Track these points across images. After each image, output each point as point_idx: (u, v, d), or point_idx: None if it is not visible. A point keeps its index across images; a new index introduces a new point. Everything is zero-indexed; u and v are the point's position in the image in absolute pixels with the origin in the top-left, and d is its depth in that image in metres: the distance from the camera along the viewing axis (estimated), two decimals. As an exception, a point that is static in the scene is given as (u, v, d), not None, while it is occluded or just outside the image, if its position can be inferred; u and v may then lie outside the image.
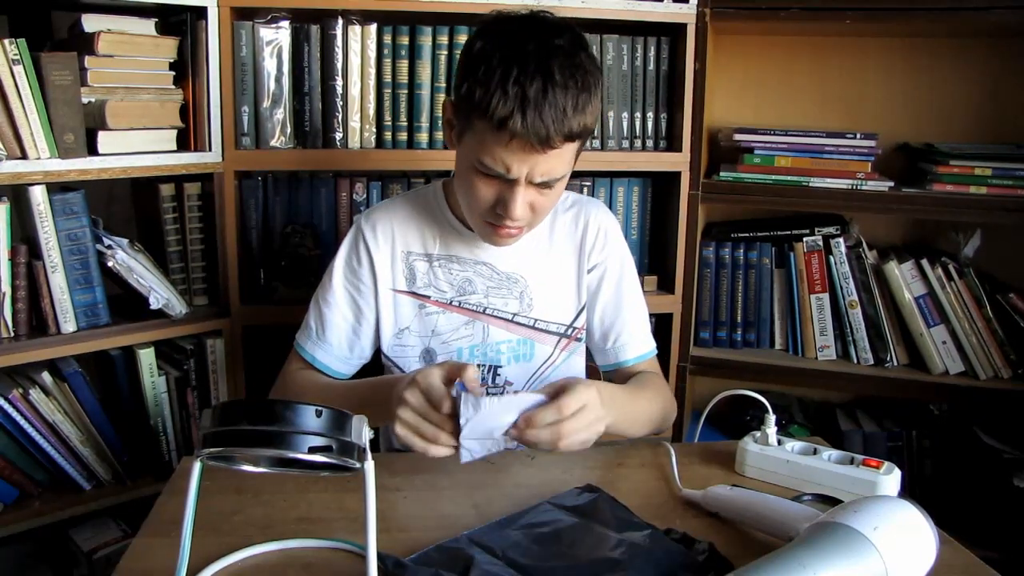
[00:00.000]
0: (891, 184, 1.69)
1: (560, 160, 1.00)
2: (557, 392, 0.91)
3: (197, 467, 0.69)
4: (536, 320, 1.19)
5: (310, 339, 1.18)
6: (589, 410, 0.90)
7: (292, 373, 1.19)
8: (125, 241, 1.45)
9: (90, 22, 1.39)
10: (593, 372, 1.28)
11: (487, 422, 0.87)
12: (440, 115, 1.56)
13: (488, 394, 0.90)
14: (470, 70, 0.98)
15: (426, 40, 1.57)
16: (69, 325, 1.40)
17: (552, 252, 1.20)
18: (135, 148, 1.44)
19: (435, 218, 1.19)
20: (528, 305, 1.18)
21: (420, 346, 1.18)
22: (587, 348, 1.25)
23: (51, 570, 1.52)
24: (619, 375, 1.23)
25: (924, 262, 1.71)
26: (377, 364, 1.23)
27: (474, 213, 1.08)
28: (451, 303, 1.18)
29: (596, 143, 1.69)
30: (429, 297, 1.18)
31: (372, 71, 1.58)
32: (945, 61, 1.80)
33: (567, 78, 0.96)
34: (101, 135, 1.39)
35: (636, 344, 1.21)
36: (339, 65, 1.56)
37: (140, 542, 0.84)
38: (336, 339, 1.17)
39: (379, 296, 1.17)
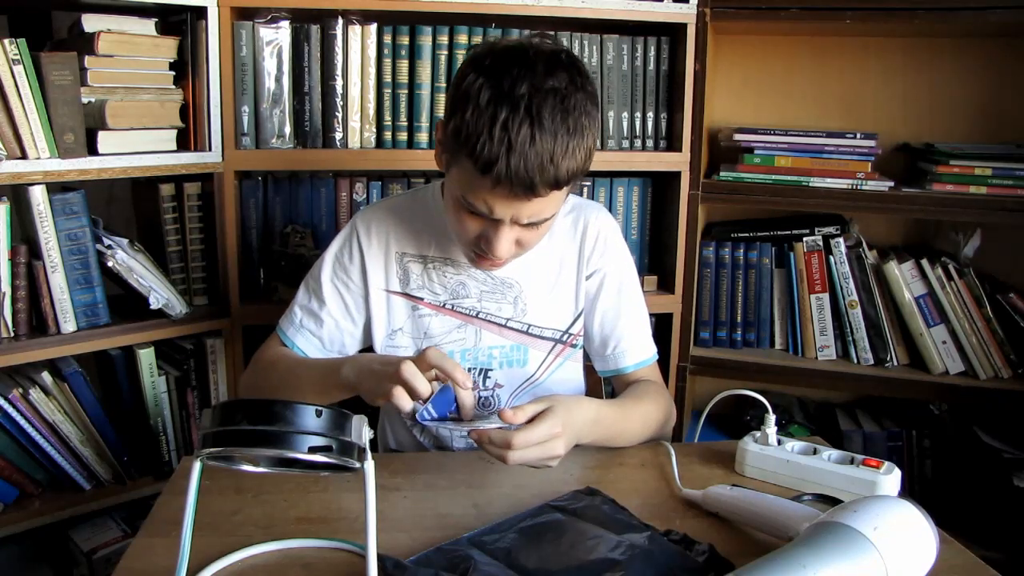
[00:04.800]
0: (891, 184, 1.69)
1: (547, 204, 0.98)
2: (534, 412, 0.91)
3: (197, 467, 0.69)
4: (530, 326, 1.17)
5: (292, 324, 1.18)
6: (549, 445, 0.89)
7: (269, 348, 1.19)
8: (125, 241, 1.45)
9: (90, 22, 1.39)
10: (590, 374, 1.28)
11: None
12: (440, 115, 1.56)
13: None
14: (459, 104, 0.94)
15: (426, 40, 1.57)
16: (69, 325, 1.40)
17: (550, 257, 1.18)
18: (135, 148, 1.44)
19: (432, 220, 1.17)
20: (522, 311, 1.17)
21: (412, 347, 1.17)
22: (587, 354, 1.24)
23: (51, 570, 1.52)
24: (618, 382, 1.22)
25: (924, 262, 1.71)
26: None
27: (459, 238, 1.07)
28: (444, 306, 1.17)
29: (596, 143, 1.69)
30: (422, 299, 1.17)
31: (372, 71, 1.58)
32: (945, 61, 1.80)
33: (557, 124, 0.92)
34: (101, 135, 1.39)
35: (636, 351, 1.20)
36: (339, 65, 1.56)
37: (140, 542, 0.84)
38: (317, 329, 1.17)
39: (369, 296, 1.17)
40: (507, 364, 1.18)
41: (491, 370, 1.18)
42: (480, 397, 1.18)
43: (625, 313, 1.19)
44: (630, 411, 1.09)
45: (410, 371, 0.90)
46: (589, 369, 1.26)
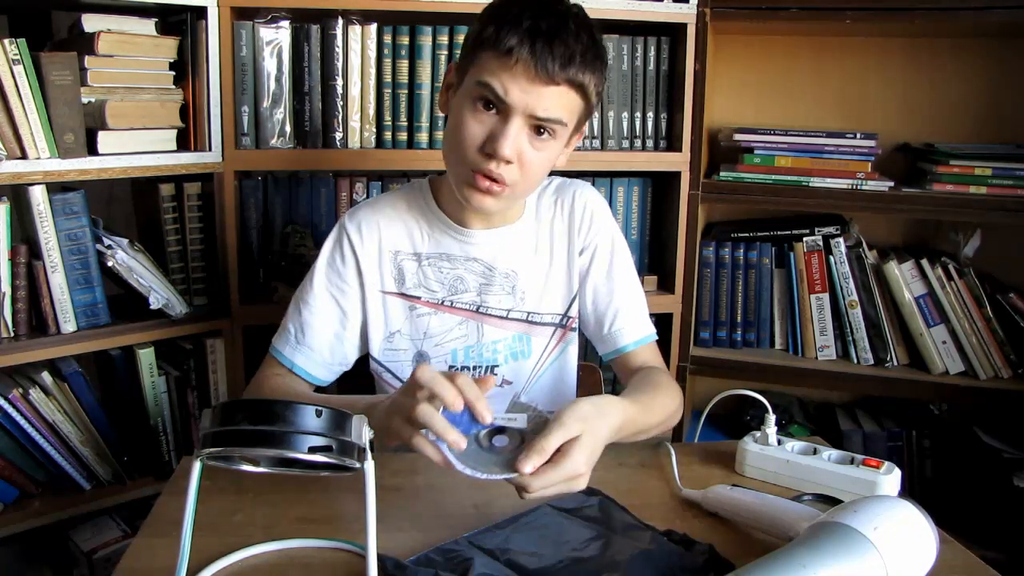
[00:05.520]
0: (891, 184, 1.69)
1: (560, 101, 0.98)
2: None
3: (197, 467, 0.69)
4: (530, 313, 1.15)
5: (288, 344, 1.12)
6: (570, 483, 0.82)
7: (268, 378, 1.12)
8: (125, 241, 1.45)
9: (90, 22, 1.39)
10: (589, 375, 1.27)
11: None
12: (440, 114, 1.56)
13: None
14: (482, 17, 1.00)
15: (426, 40, 1.57)
16: (69, 325, 1.40)
17: (540, 240, 1.16)
18: (135, 148, 1.44)
19: (423, 215, 1.14)
20: (521, 299, 1.15)
21: (412, 349, 1.14)
22: (588, 339, 1.21)
23: (51, 570, 1.52)
24: (621, 364, 1.18)
25: (924, 262, 1.71)
26: (359, 372, 1.18)
27: (458, 157, 1.01)
28: (443, 303, 1.14)
29: (596, 143, 1.69)
30: (419, 298, 1.14)
31: (372, 71, 1.58)
32: (945, 61, 1.81)
33: (581, 29, 0.98)
34: (101, 135, 1.39)
35: (634, 328, 1.16)
36: (339, 65, 1.56)
37: (140, 542, 0.84)
38: (317, 344, 1.12)
39: (366, 299, 1.13)
40: (512, 358, 1.16)
41: (497, 366, 1.16)
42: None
43: (619, 289, 1.17)
44: (651, 405, 1.05)
45: (425, 413, 0.80)
46: (587, 369, 1.25)
